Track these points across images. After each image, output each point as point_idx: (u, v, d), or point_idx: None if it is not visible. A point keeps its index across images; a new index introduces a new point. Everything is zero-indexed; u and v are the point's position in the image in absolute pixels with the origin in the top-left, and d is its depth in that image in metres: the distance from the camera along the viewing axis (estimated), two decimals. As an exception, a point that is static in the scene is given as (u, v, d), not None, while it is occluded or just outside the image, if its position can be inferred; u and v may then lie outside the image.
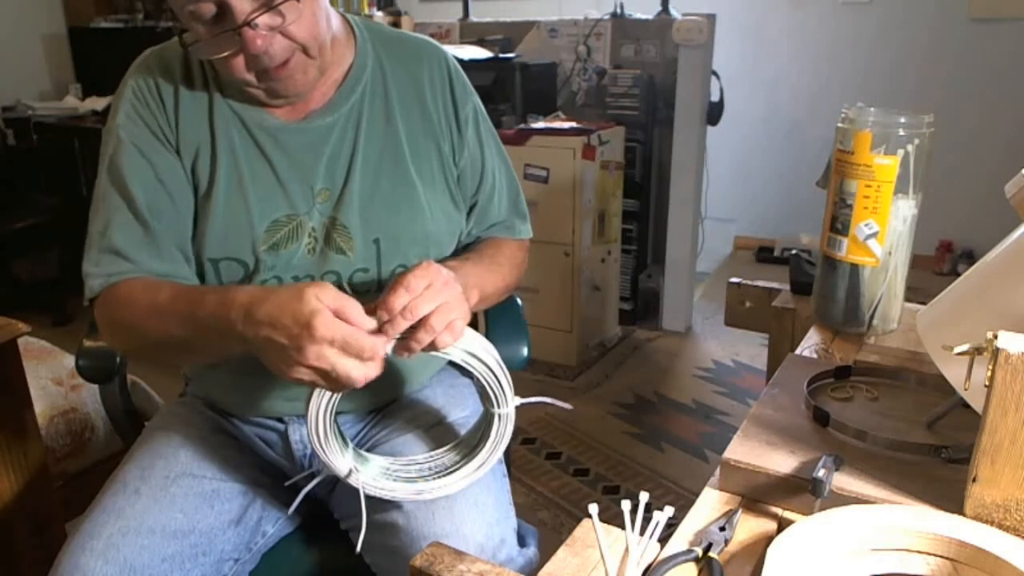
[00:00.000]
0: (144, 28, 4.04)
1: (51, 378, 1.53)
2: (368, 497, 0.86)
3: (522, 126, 2.87)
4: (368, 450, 0.98)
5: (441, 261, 0.93)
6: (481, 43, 3.20)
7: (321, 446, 0.82)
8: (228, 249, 0.94)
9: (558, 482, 2.20)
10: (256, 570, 0.97)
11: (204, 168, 0.95)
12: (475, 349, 0.83)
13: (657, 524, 0.71)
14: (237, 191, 0.94)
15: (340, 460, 0.84)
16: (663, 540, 0.71)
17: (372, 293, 0.97)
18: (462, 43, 3.26)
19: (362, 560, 0.95)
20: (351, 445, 0.88)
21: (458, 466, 0.90)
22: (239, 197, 0.94)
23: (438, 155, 1.02)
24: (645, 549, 0.69)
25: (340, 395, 0.81)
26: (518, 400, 0.87)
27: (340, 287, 0.82)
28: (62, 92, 4.12)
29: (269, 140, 0.95)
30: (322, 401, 0.81)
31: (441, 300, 0.78)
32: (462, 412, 1.06)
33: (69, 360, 1.61)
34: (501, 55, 3.08)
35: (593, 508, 0.72)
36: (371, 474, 0.88)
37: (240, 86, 0.91)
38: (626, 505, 0.72)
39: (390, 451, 0.97)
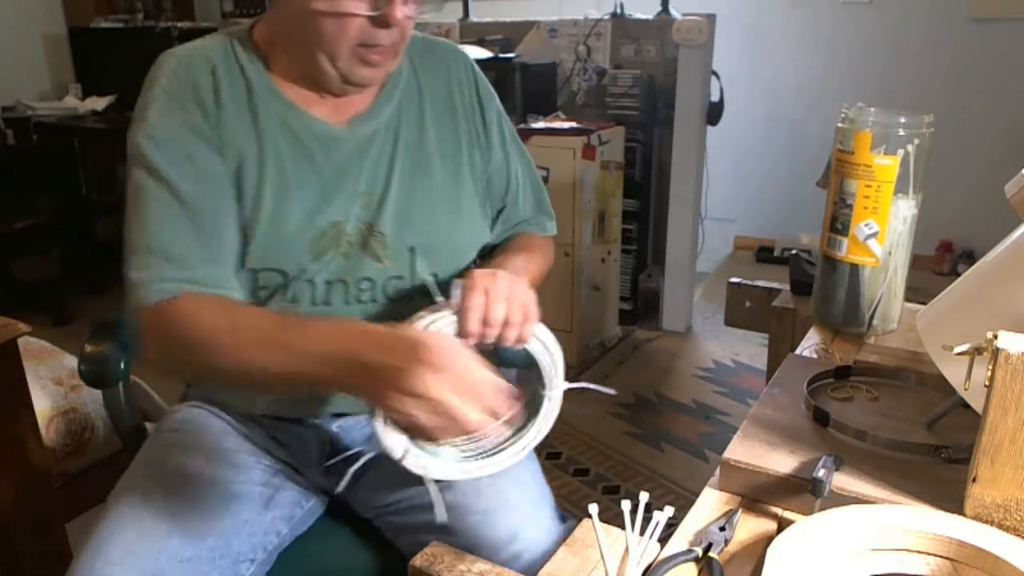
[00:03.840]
0: (144, 28, 4.04)
1: (51, 378, 1.53)
2: (417, 479, 0.87)
3: (522, 126, 2.87)
4: None
5: (479, 265, 1.00)
6: (481, 43, 3.19)
7: (382, 424, 0.82)
8: (272, 260, 0.92)
9: (558, 482, 2.20)
10: (272, 570, 0.97)
11: (251, 177, 0.91)
12: (537, 332, 0.86)
13: (657, 524, 0.71)
14: (285, 200, 0.91)
15: (395, 440, 0.84)
16: (663, 540, 0.71)
17: (404, 301, 0.95)
18: (462, 43, 3.25)
19: (378, 556, 0.96)
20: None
21: (504, 446, 0.91)
22: (287, 206, 0.91)
23: (469, 162, 1.02)
24: (645, 549, 0.69)
25: None
26: (566, 384, 0.89)
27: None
28: (62, 92, 4.12)
29: (318, 147, 0.93)
30: None
31: (505, 294, 0.82)
32: None
33: (69, 360, 1.61)
34: (501, 55, 3.08)
35: (593, 508, 0.72)
36: (422, 455, 0.88)
37: (322, 57, 0.88)
38: (626, 505, 0.72)
39: None
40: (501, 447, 0.91)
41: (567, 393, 0.92)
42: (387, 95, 0.98)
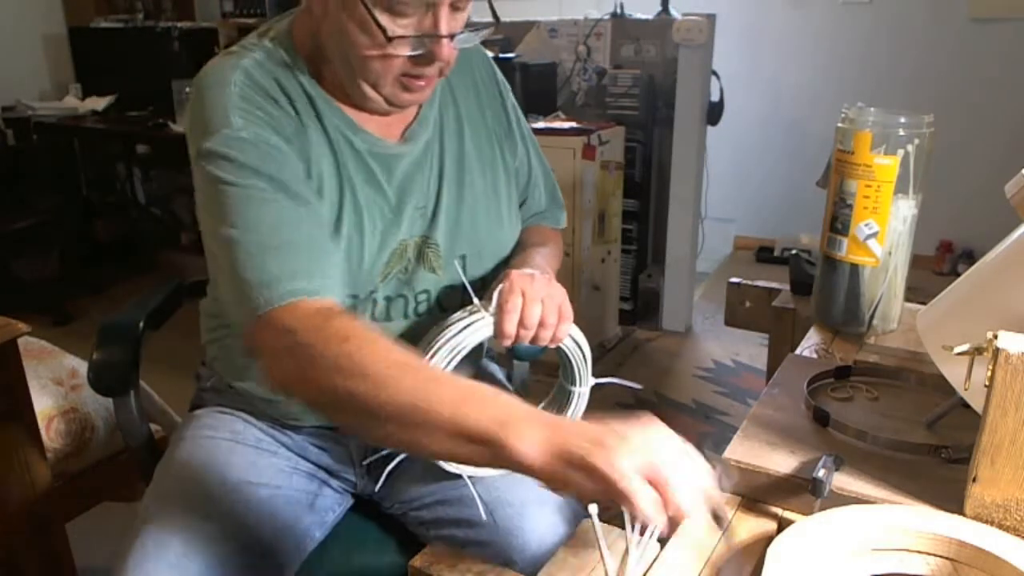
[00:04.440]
0: (144, 28, 4.04)
1: (51, 378, 1.53)
2: (447, 474, 0.88)
3: (522, 126, 2.87)
4: None
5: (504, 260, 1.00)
6: (481, 43, 3.19)
7: None
8: (349, 287, 0.88)
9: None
10: (300, 571, 0.96)
11: (331, 198, 0.86)
12: (570, 330, 0.88)
13: (657, 524, 0.71)
14: (360, 225, 0.88)
15: None
16: (663, 540, 0.71)
17: (455, 309, 0.92)
18: (462, 43, 3.25)
19: (404, 553, 0.96)
20: None
21: None
22: (363, 232, 0.88)
23: (502, 162, 1.02)
24: (645, 549, 0.69)
25: (451, 367, 0.80)
26: (593, 380, 0.90)
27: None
28: (62, 92, 4.12)
29: (380, 166, 0.91)
30: None
31: (541, 295, 0.83)
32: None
33: (69, 360, 1.61)
34: (501, 55, 3.07)
35: (593, 508, 0.72)
36: None
37: (366, 86, 0.85)
38: (626, 505, 0.72)
39: None
40: None
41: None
42: (430, 103, 0.96)
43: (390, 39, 0.79)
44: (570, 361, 0.89)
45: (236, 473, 0.93)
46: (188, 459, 0.95)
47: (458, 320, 0.83)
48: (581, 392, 0.91)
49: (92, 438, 1.51)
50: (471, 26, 0.85)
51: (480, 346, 0.92)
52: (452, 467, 0.87)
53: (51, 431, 1.45)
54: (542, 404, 0.96)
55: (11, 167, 3.57)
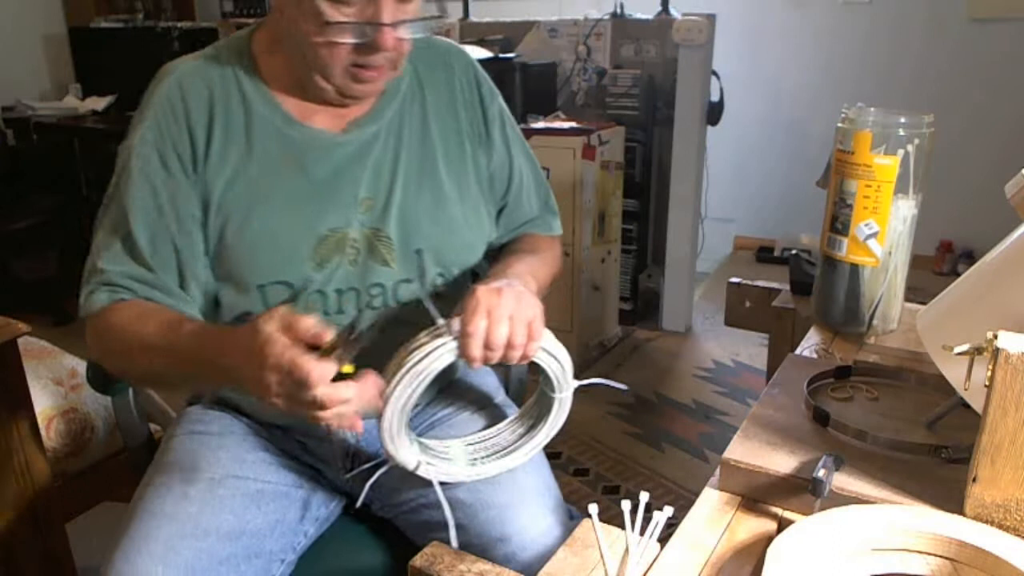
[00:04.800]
0: (144, 28, 4.05)
1: (51, 378, 1.53)
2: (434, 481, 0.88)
3: (522, 126, 2.86)
4: (420, 434, 0.98)
5: (489, 265, 1.00)
6: (481, 43, 3.19)
7: (393, 442, 0.82)
8: (276, 272, 0.92)
9: (558, 482, 2.19)
10: (295, 571, 0.97)
11: (241, 192, 0.91)
12: (542, 342, 0.85)
13: (657, 524, 0.71)
14: (282, 211, 0.92)
15: (408, 454, 0.84)
16: (663, 540, 0.71)
17: (414, 304, 0.93)
18: (462, 43, 3.25)
19: (395, 554, 0.96)
20: (415, 437, 0.88)
21: (516, 446, 0.92)
22: (284, 217, 0.92)
23: (473, 162, 1.02)
24: (645, 549, 0.69)
25: (418, 393, 0.79)
26: (576, 383, 0.89)
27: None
28: (62, 92, 4.12)
29: (313, 154, 0.93)
30: (399, 401, 0.79)
31: (508, 313, 0.79)
32: (500, 396, 1.10)
33: (69, 360, 1.61)
34: (501, 55, 3.07)
35: (593, 508, 0.72)
36: (435, 461, 0.88)
37: (318, 76, 0.89)
38: (626, 505, 0.72)
39: (442, 434, 0.98)
40: (513, 447, 0.92)
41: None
42: (388, 97, 0.98)
43: (328, 23, 0.83)
44: (547, 371, 0.87)
45: (224, 467, 0.94)
46: (177, 454, 0.97)
47: (422, 345, 0.79)
48: (562, 398, 0.89)
49: (92, 438, 1.51)
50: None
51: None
52: (424, 474, 0.86)
53: (51, 431, 1.45)
54: (524, 408, 0.96)
55: (11, 167, 3.57)
